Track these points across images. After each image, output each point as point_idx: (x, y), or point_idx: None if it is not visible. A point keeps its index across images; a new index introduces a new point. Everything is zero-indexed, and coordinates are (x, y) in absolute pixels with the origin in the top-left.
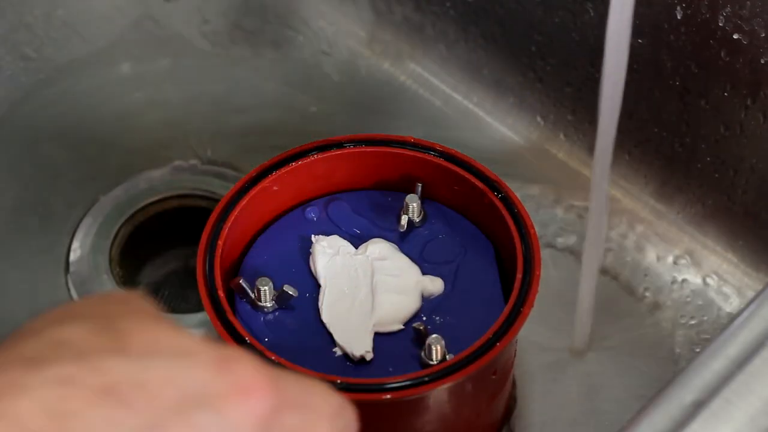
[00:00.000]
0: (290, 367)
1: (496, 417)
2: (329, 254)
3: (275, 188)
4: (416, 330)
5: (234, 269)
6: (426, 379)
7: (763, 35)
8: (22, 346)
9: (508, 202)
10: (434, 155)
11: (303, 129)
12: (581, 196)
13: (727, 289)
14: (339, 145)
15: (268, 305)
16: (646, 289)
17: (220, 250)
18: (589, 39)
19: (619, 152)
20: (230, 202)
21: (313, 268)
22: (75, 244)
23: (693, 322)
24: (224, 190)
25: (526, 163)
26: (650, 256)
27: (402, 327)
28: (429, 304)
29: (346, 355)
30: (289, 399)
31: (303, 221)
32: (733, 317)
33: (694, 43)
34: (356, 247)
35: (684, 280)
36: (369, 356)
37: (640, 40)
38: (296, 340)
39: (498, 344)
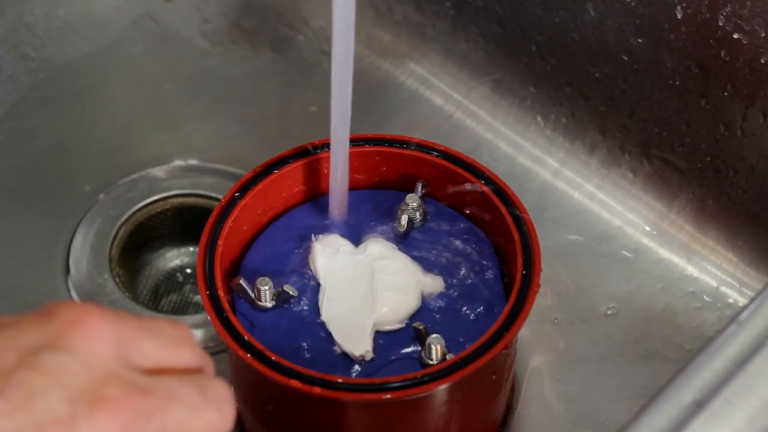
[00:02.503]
0: (290, 367)
1: (495, 417)
2: (329, 253)
3: (275, 188)
4: (416, 330)
5: (234, 269)
6: (426, 379)
7: (763, 35)
8: None
9: (508, 202)
10: (434, 155)
11: (303, 129)
12: (582, 194)
13: (726, 289)
14: None
15: (268, 305)
16: (646, 288)
17: (220, 250)
18: (589, 39)
19: (619, 152)
20: (230, 201)
21: (312, 268)
22: (75, 244)
23: (693, 322)
24: (224, 190)
25: (526, 163)
26: (650, 256)
27: (402, 326)
28: (429, 304)
29: (345, 355)
30: (133, 327)
31: (303, 221)
32: (732, 317)
33: (694, 42)
34: (356, 247)
35: (684, 280)
36: (369, 356)
37: (640, 40)
38: (296, 340)
39: (498, 344)
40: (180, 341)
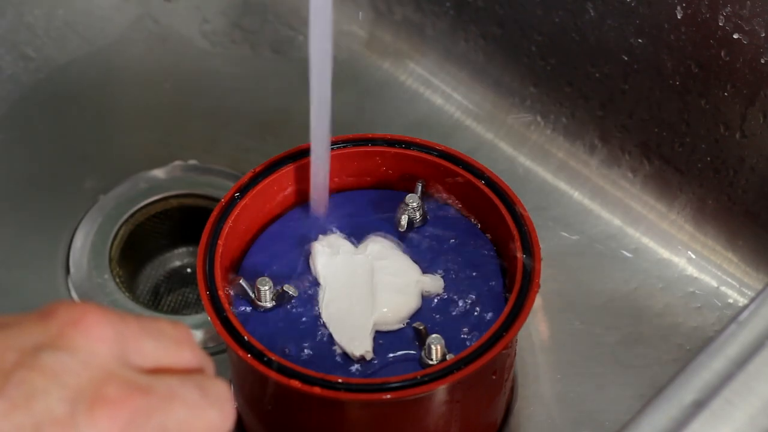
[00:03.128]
0: (290, 367)
1: (495, 417)
2: (329, 254)
3: (275, 188)
4: (416, 330)
5: (234, 269)
6: (426, 379)
7: (763, 35)
8: None
9: (508, 201)
10: (434, 155)
11: (303, 129)
12: (582, 194)
13: (726, 289)
14: (338, 144)
15: (268, 305)
16: (646, 288)
17: (220, 250)
18: (589, 39)
19: (619, 152)
20: (230, 202)
21: (312, 268)
22: (75, 244)
23: (693, 322)
24: (224, 190)
25: (526, 163)
26: (650, 256)
27: (402, 326)
28: (429, 303)
29: (345, 355)
30: (133, 327)
31: (303, 221)
32: (733, 317)
33: (694, 42)
34: (356, 247)
35: (684, 280)
36: (369, 356)
37: (640, 40)
38: (296, 340)
39: (498, 344)
40: (180, 341)
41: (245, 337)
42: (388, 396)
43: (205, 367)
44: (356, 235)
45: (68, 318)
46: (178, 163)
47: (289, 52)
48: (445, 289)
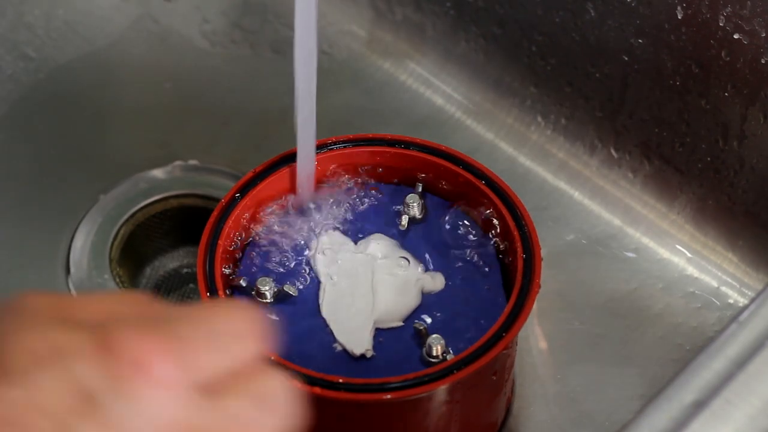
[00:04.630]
0: (291, 367)
1: (495, 417)
2: (330, 252)
3: (275, 188)
4: (416, 329)
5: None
6: (426, 379)
7: (764, 35)
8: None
9: (509, 201)
10: (434, 155)
11: None
12: (582, 194)
13: (727, 289)
14: (338, 144)
15: (269, 304)
16: (646, 288)
17: (220, 250)
18: (589, 39)
19: (619, 152)
20: (230, 202)
21: (313, 266)
22: (75, 244)
23: (693, 322)
24: (224, 190)
25: (526, 163)
26: (650, 256)
27: (402, 324)
28: (429, 301)
29: (346, 353)
30: (190, 346)
31: (303, 220)
32: (733, 317)
33: (694, 43)
34: (357, 245)
35: (684, 280)
36: (369, 354)
37: (640, 40)
38: (297, 339)
39: (498, 344)
40: (237, 336)
41: None
42: (388, 396)
43: (260, 352)
44: (357, 233)
45: (131, 359)
46: (178, 163)
47: (289, 52)
48: (445, 288)
